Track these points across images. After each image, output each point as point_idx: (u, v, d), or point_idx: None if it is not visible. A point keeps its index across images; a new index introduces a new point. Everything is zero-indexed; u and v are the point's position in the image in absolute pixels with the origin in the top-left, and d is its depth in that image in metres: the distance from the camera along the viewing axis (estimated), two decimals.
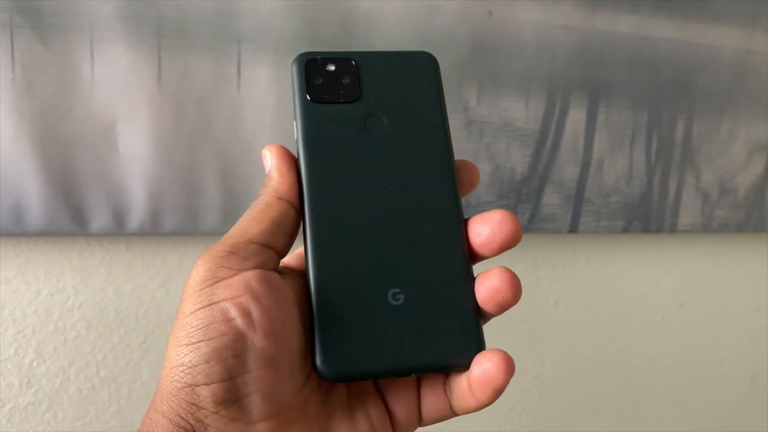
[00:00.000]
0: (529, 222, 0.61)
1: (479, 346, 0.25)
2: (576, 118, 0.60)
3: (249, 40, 0.49)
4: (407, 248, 0.25)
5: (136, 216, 0.49)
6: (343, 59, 0.27)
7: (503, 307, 0.25)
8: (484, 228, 0.25)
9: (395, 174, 0.26)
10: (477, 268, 0.26)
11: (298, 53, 0.28)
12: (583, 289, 0.67)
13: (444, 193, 0.26)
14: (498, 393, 0.24)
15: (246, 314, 0.22)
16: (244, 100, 0.50)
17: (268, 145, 0.26)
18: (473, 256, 0.26)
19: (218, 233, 0.51)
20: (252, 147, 0.50)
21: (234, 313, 0.22)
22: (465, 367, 0.24)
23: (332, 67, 0.27)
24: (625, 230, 0.64)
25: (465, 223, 0.26)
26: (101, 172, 0.48)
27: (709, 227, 0.68)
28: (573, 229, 0.62)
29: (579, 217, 0.62)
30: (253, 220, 0.24)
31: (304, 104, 0.27)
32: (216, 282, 0.23)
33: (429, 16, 0.54)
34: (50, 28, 0.45)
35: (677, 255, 0.71)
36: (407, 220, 0.26)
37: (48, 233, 0.47)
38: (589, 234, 0.63)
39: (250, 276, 0.23)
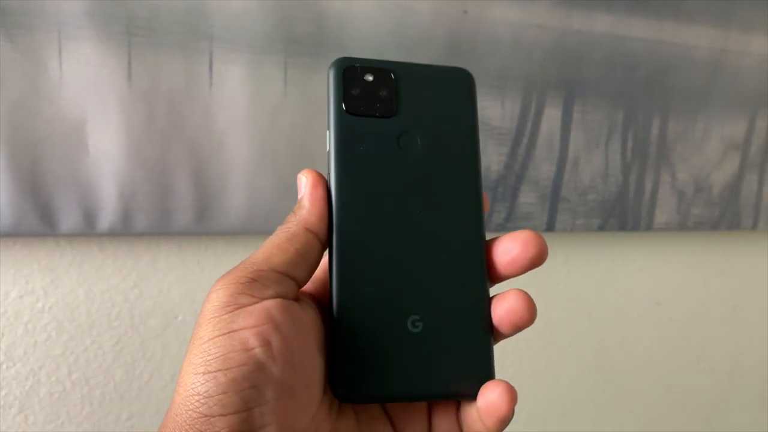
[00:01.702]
0: (506, 221, 0.61)
1: (489, 375, 0.25)
2: (552, 117, 0.61)
3: (221, 38, 0.49)
4: (430, 273, 0.25)
5: (107, 216, 0.48)
6: (381, 69, 0.27)
7: (518, 329, 0.25)
8: (514, 246, 0.25)
9: (424, 196, 0.26)
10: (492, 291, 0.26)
11: (336, 58, 0.27)
12: (560, 286, 0.68)
13: (470, 216, 0.26)
14: (504, 422, 0.24)
15: (266, 344, 0.22)
16: (216, 99, 0.49)
17: (304, 170, 0.26)
18: (497, 277, 0.26)
19: (191, 233, 0.50)
20: (224, 146, 0.50)
21: (254, 342, 0.22)
22: (474, 396, 0.25)
23: (370, 77, 0.27)
24: (602, 228, 0.65)
25: (488, 245, 0.26)
26: (71, 172, 0.47)
27: (685, 225, 0.68)
28: (550, 227, 0.62)
29: (555, 216, 0.63)
30: (277, 248, 0.24)
31: (340, 115, 0.26)
32: (236, 309, 0.22)
33: (403, 15, 0.53)
34: (17, 26, 0.44)
35: (654, 253, 0.71)
36: (432, 244, 0.26)
37: (16, 234, 0.47)
38: (566, 232, 0.64)
39: (272, 305, 0.23)
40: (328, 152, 0.26)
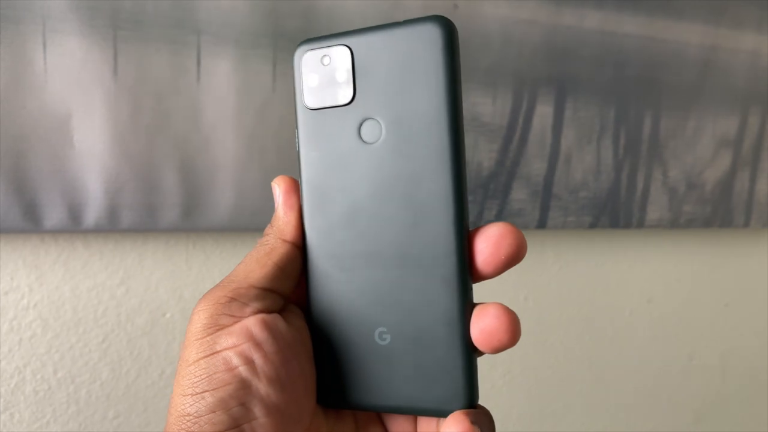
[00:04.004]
0: (497, 218, 0.60)
1: (464, 396, 0.23)
2: (543, 114, 0.60)
3: (208, 32, 0.48)
4: (402, 282, 0.23)
5: (93, 212, 0.47)
6: (336, 47, 0.23)
7: (498, 350, 0.23)
8: (485, 246, 0.23)
9: (391, 191, 0.23)
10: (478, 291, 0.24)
11: (299, 41, 0.25)
12: (552, 284, 0.67)
13: (445, 206, 0.23)
14: None
15: (249, 362, 0.22)
16: (204, 93, 0.49)
17: (277, 177, 0.26)
18: (477, 276, 0.24)
19: (178, 229, 0.50)
20: (212, 141, 0.49)
21: (237, 361, 0.22)
22: (443, 414, 0.23)
23: (327, 60, 0.23)
24: (593, 225, 0.64)
25: (470, 237, 0.23)
26: (56, 167, 0.46)
27: (677, 222, 0.68)
28: (541, 224, 0.62)
29: (547, 213, 0.62)
30: (256, 263, 0.24)
31: (302, 113, 0.24)
32: (218, 330, 0.23)
33: (393, 10, 0.53)
34: (0, 19, 0.44)
35: (645, 250, 0.71)
36: (403, 248, 0.23)
37: (0, 230, 0.46)
38: (558, 229, 0.63)
39: (252, 322, 0.23)
40: (297, 152, 0.25)
